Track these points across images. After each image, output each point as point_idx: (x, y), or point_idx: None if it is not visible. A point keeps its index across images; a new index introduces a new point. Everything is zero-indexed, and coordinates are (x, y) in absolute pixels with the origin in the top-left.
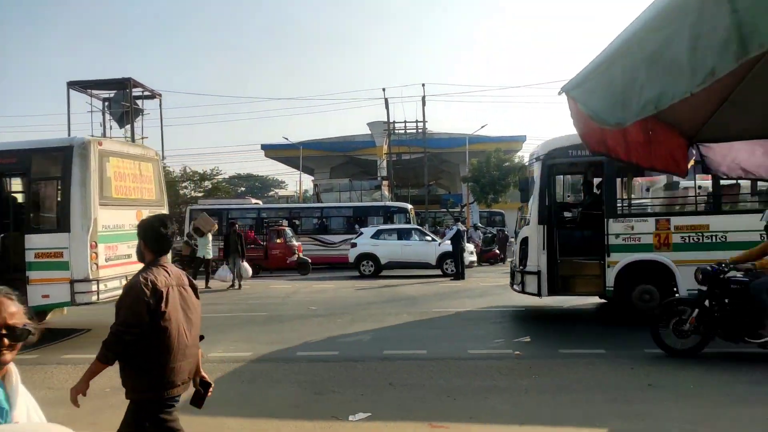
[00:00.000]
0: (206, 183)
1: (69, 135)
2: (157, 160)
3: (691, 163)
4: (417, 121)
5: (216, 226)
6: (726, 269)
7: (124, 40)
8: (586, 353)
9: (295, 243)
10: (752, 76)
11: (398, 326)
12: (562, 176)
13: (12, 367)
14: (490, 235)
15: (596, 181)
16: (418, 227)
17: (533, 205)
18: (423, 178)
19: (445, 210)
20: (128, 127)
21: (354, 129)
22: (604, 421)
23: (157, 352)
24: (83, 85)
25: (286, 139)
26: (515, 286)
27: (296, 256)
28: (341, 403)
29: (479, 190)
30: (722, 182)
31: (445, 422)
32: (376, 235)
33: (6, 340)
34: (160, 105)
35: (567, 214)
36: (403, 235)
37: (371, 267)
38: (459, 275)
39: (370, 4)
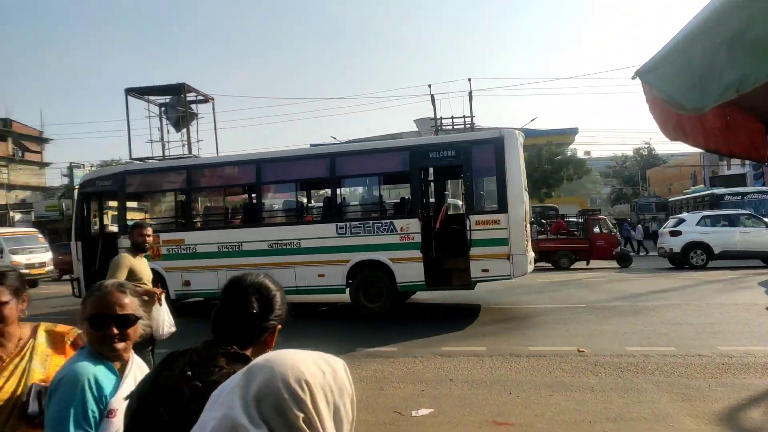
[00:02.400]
0: None
1: (129, 140)
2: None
3: None
4: (464, 116)
5: None
6: None
7: (176, 46)
8: (654, 351)
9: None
10: None
11: (441, 323)
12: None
13: (131, 358)
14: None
15: None
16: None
17: None
18: None
19: None
20: (184, 131)
21: (401, 126)
22: (677, 420)
23: None
24: (140, 92)
25: (335, 138)
26: None
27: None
28: (403, 398)
29: (531, 185)
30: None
31: (509, 419)
32: (704, 222)
33: (115, 329)
34: (213, 109)
35: None
36: (735, 221)
37: (702, 257)
38: None
39: (412, 3)
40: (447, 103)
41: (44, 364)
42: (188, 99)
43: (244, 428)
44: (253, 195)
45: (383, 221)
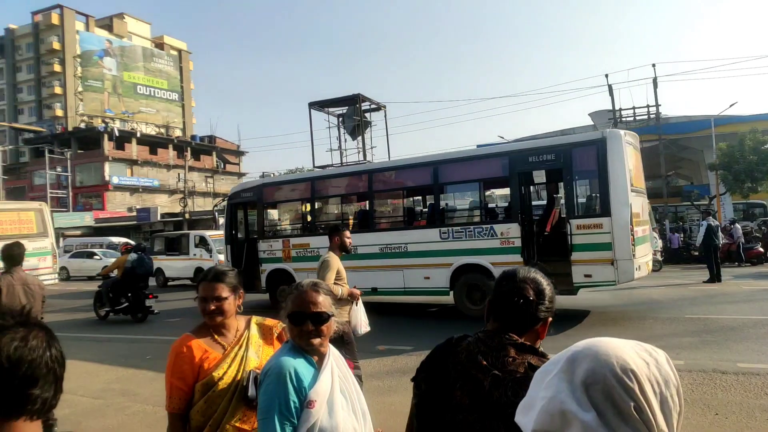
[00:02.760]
0: None
1: (312, 149)
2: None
3: None
4: (648, 106)
5: None
6: None
7: (345, 56)
8: None
9: None
10: None
11: (640, 334)
12: None
13: (329, 352)
14: (752, 229)
15: None
16: None
17: None
18: (659, 169)
19: (689, 203)
20: (360, 138)
21: (575, 121)
22: None
23: None
24: (321, 105)
25: (502, 137)
26: None
27: None
28: None
29: (731, 179)
30: None
31: None
32: None
33: (311, 326)
34: (385, 116)
35: None
36: None
37: None
38: (714, 277)
39: None
40: (627, 93)
41: (258, 353)
42: (363, 108)
43: (572, 413)
44: (366, 202)
45: (484, 226)
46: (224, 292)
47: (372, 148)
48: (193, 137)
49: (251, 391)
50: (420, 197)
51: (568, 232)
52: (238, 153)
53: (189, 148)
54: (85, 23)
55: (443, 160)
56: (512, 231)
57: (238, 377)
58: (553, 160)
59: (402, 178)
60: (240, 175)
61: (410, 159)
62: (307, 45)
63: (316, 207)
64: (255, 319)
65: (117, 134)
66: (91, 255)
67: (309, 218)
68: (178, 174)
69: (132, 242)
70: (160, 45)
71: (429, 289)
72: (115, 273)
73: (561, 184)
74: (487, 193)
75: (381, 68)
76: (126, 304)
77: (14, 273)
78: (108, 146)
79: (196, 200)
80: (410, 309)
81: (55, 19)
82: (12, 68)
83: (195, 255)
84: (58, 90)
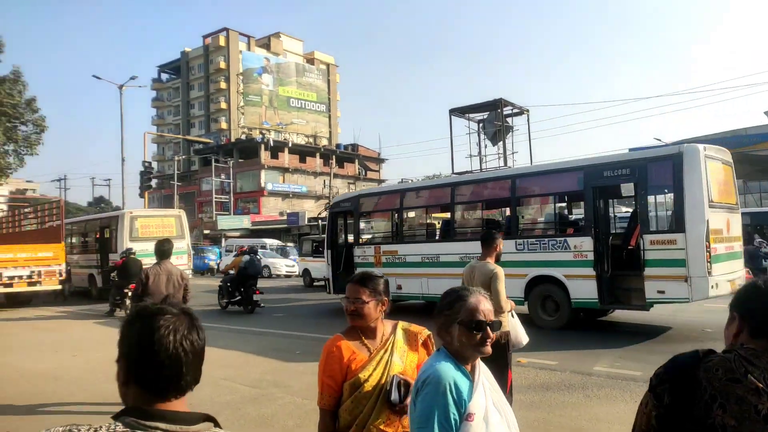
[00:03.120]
0: None
1: (452, 155)
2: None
3: None
4: None
5: None
6: None
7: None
8: None
9: None
10: None
11: None
12: None
13: (479, 363)
14: None
15: None
16: None
17: None
18: None
19: None
20: (500, 144)
21: (752, 119)
22: None
23: None
24: (462, 111)
25: (659, 140)
26: None
27: None
28: None
29: None
30: None
31: None
32: None
33: (490, 333)
34: (528, 120)
35: None
36: None
37: None
38: None
39: None
40: None
41: (402, 358)
42: (505, 113)
43: None
44: (448, 213)
45: (557, 239)
46: (365, 296)
47: (513, 153)
48: (337, 146)
49: (394, 396)
50: (504, 208)
51: (641, 248)
52: (379, 160)
53: (334, 157)
54: (247, 43)
55: (520, 174)
56: (585, 244)
57: (383, 380)
58: (629, 174)
59: (480, 190)
60: (380, 181)
61: (493, 173)
62: (448, 51)
63: (404, 217)
64: (401, 324)
65: (272, 144)
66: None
67: (397, 227)
68: (324, 181)
69: (245, 246)
70: (311, 60)
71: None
72: (232, 271)
73: (635, 199)
74: (564, 205)
75: (528, 72)
76: (239, 297)
77: (162, 265)
78: (264, 156)
79: None
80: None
81: (222, 41)
82: (186, 87)
83: None
84: (223, 105)
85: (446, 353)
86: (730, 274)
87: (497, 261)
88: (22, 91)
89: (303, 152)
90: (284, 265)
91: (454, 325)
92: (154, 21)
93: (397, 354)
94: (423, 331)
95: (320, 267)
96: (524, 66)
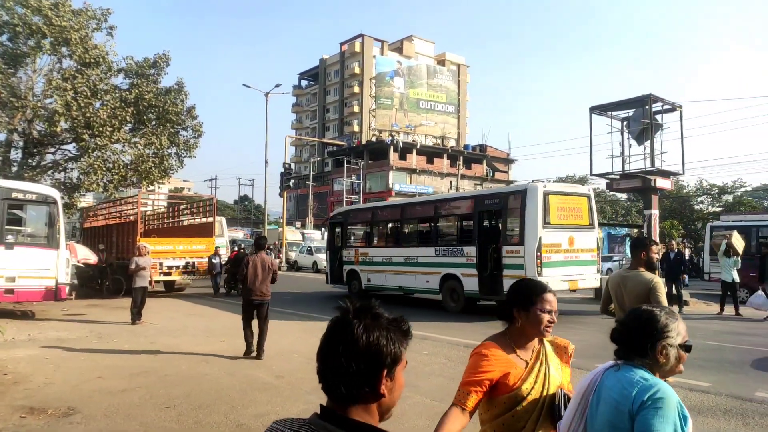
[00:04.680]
0: (726, 196)
1: (591, 156)
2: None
3: None
4: None
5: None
6: None
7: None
8: None
9: None
10: None
11: None
12: None
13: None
14: None
15: None
16: None
17: None
18: None
19: None
20: (647, 144)
21: None
22: None
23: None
24: (603, 108)
25: None
26: None
27: None
28: None
29: None
30: None
31: None
32: None
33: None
34: (681, 117)
35: None
36: None
37: None
38: None
39: None
40: None
41: (557, 371)
42: (654, 109)
43: None
44: (399, 225)
45: (458, 247)
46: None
47: (662, 153)
48: (465, 147)
49: (561, 410)
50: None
51: (501, 255)
52: (508, 161)
53: (461, 157)
54: (380, 48)
55: (439, 199)
56: (472, 252)
57: (544, 394)
58: (498, 203)
59: (416, 210)
60: (509, 182)
61: (423, 198)
62: (589, 48)
63: (372, 227)
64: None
65: (401, 146)
66: None
67: (368, 235)
68: (450, 182)
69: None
70: (441, 62)
71: (427, 288)
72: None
73: (501, 220)
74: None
75: (679, 67)
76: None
77: (258, 254)
78: (393, 157)
79: None
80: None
81: (357, 47)
82: (323, 92)
83: None
84: (356, 108)
85: (646, 370)
86: (567, 276)
87: (652, 270)
88: (184, 100)
89: (431, 153)
90: None
91: (673, 348)
92: (294, 30)
93: (552, 367)
94: (569, 344)
95: None
96: (676, 60)
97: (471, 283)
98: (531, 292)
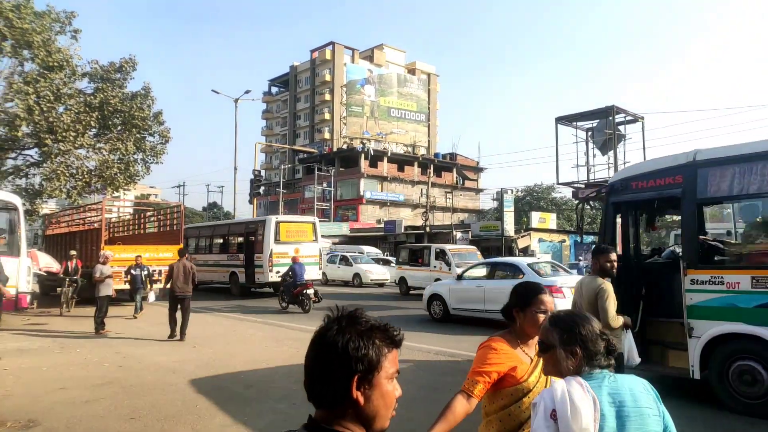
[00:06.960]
0: None
1: (557, 165)
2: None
3: None
4: None
5: None
6: None
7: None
8: None
9: None
10: None
11: None
12: None
13: None
14: None
15: None
16: None
17: None
18: None
19: None
20: (611, 153)
21: None
22: None
23: None
24: (569, 119)
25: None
26: None
27: None
28: None
29: None
30: None
31: None
32: None
33: None
34: (643, 128)
35: None
36: None
37: None
38: None
39: None
40: None
41: None
42: (617, 120)
43: None
44: (220, 240)
45: (237, 254)
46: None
47: (625, 163)
48: (436, 155)
49: None
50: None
51: (254, 259)
52: (477, 169)
53: (432, 166)
54: (351, 56)
55: (220, 225)
56: (242, 257)
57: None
58: (255, 227)
59: (226, 229)
60: (478, 191)
61: (217, 222)
62: (553, 56)
63: (206, 239)
64: None
65: (372, 154)
66: (345, 260)
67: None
68: (421, 189)
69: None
70: (412, 70)
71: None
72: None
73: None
74: (240, 240)
75: (639, 77)
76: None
77: (180, 260)
78: (364, 165)
79: (435, 215)
80: None
81: (328, 54)
82: (293, 99)
83: (435, 267)
84: (327, 116)
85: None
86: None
87: (609, 278)
88: (151, 105)
89: (401, 161)
90: (375, 272)
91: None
92: (265, 36)
93: None
94: None
95: (417, 275)
96: (638, 70)
97: (242, 277)
98: (527, 294)
